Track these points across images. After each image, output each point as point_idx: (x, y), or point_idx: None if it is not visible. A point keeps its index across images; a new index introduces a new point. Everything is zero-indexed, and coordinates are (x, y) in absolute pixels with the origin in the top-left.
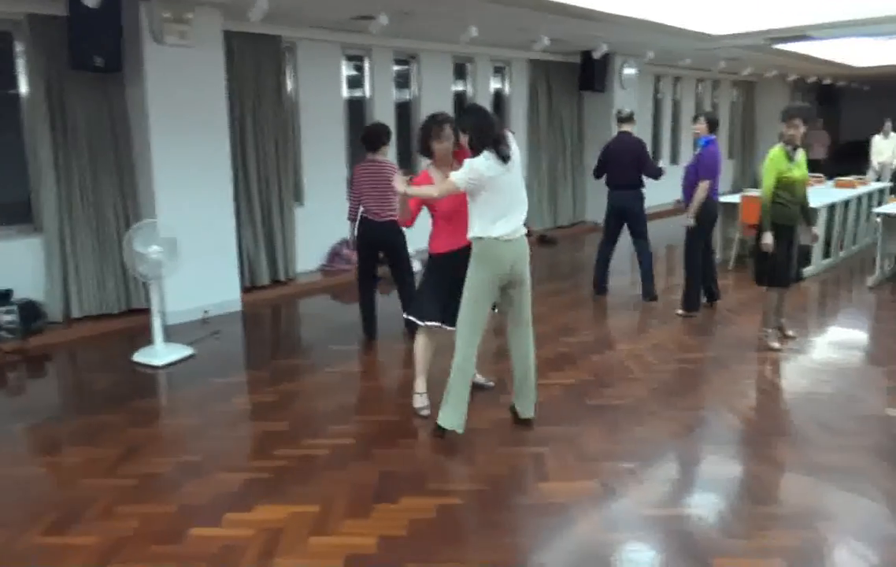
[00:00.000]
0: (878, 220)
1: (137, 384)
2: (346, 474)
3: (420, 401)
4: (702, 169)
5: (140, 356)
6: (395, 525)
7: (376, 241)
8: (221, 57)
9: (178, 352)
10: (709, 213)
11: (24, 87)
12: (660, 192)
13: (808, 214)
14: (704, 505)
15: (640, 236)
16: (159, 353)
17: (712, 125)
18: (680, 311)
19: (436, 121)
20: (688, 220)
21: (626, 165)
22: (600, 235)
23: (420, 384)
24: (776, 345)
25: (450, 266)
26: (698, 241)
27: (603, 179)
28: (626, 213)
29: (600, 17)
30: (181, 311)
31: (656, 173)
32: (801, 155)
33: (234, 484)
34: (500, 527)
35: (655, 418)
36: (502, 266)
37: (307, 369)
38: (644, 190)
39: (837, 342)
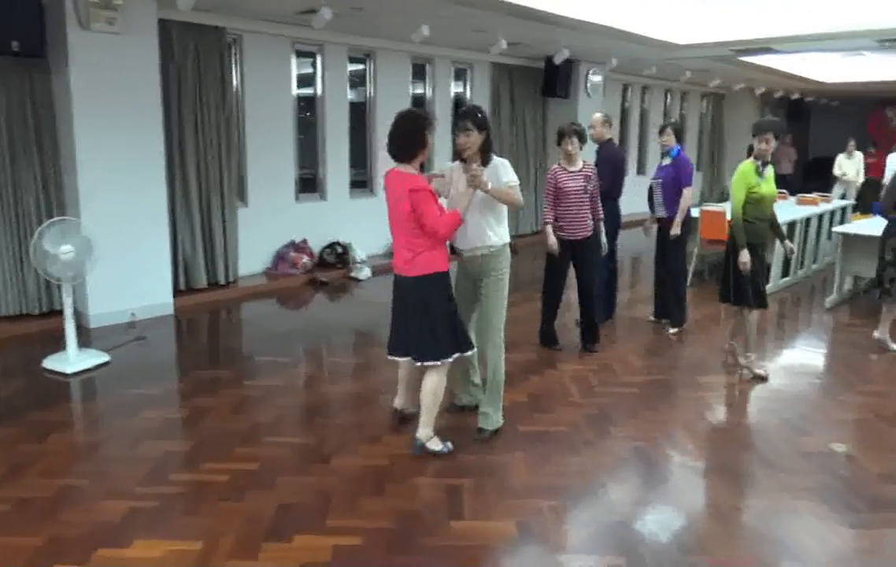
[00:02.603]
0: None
1: (42, 393)
2: (241, 505)
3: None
4: (684, 177)
5: (50, 362)
6: None
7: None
8: (155, 46)
9: (93, 358)
10: (685, 224)
11: None
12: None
13: (779, 230)
14: (626, 552)
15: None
16: (71, 360)
17: (679, 134)
18: (673, 331)
19: (429, 119)
20: (675, 229)
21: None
22: None
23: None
24: (761, 372)
25: (398, 292)
26: (682, 251)
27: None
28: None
29: (556, 21)
30: (106, 313)
31: None
32: (770, 171)
33: (116, 514)
34: None
35: (590, 449)
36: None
37: (229, 381)
38: None
39: (789, 368)
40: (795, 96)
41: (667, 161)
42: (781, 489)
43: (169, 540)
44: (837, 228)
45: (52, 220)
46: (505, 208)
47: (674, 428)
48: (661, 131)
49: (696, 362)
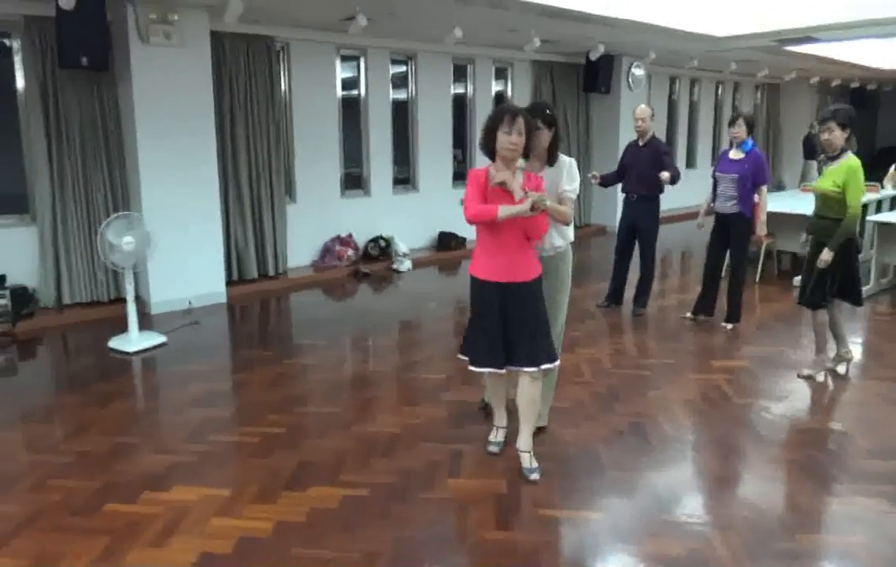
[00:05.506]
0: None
1: (106, 368)
2: (266, 461)
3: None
4: (761, 175)
5: (115, 342)
6: (295, 512)
7: None
8: (208, 56)
9: (152, 339)
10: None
11: (20, 84)
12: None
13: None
14: (604, 508)
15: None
16: (133, 340)
17: (751, 127)
18: (730, 326)
19: (508, 111)
20: (761, 229)
21: None
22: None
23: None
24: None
25: (492, 299)
26: (748, 247)
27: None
28: None
29: (586, 18)
30: (166, 300)
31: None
32: (835, 165)
33: (161, 465)
34: (394, 519)
35: (590, 422)
36: None
37: (270, 360)
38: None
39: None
40: (855, 85)
41: (738, 154)
42: (768, 462)
43: (203, 487)
44: (872, 217)
45: (116, 214)
46: None
47: (675, 406)
48: (733, 122)
49: (711, 348)
